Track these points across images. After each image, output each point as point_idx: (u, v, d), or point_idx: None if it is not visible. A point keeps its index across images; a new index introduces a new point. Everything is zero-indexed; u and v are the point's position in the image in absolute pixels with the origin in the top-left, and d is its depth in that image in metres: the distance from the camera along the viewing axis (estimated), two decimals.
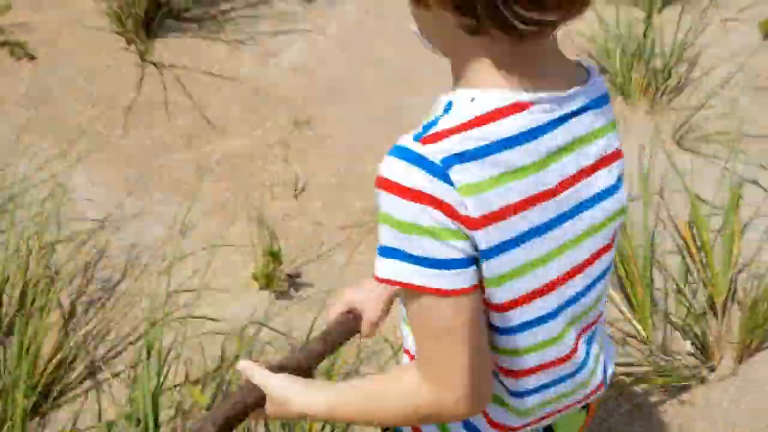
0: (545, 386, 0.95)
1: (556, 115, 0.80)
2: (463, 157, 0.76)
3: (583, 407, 1.07)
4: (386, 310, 1.16)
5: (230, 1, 3.28)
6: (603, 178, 0.87)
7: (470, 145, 0.76)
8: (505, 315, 0.86)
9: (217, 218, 2.42)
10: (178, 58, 2.98)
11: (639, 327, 2.05)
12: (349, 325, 1.17)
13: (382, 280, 0.80)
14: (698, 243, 2.16)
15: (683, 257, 2.20)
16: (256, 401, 1.00)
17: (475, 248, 0.79)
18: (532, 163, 0.80)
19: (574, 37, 3.32)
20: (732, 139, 2.73)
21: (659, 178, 2.52)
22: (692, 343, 2.02)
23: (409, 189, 0.75)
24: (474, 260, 0.80)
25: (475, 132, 0.77)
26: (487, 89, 0.78)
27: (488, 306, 0.85)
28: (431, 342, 0.82)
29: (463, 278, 0.79)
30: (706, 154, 2.71)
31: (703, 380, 1.97)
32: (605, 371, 1.04)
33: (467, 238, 0.78)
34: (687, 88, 3.04)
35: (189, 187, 2.52)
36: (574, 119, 0.83)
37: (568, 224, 0.85)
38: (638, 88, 2.94)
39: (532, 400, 0.95)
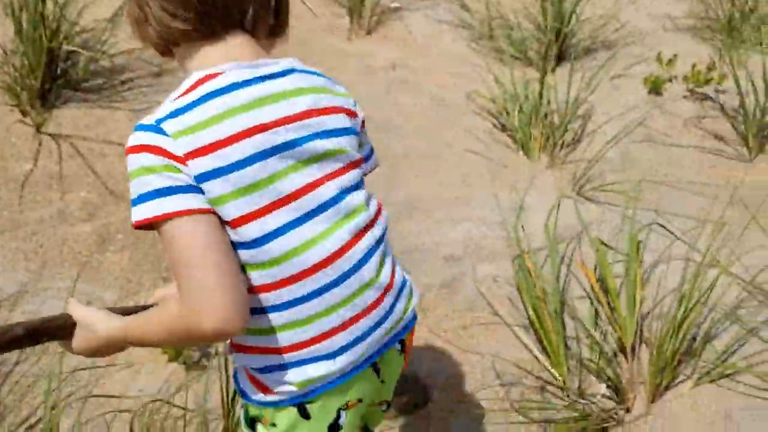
0: (324, 288, 1.07)
1: (249, 76, 1.06)
2: (175, 114, 1.01)
3: (401, 351, 1.21)
4: None
5: (131, 71, 3.24)
6: (325, 121, 1.10)
7: (183, 104, 1.02)
8: (246, 228, 1.02)
9: (121, 291, 2.32)
10: (77, 128, 2.90)
11: (555, 373, 2.07)
12: None
13: (136, 225, 0.99)
14: (605, 288, 2.22)
15: (592, 303, 2.25)
16: (64, 323, 1.11)
17: (192, 177, 0.99)
18: (237, 107, 1.03)
19: (474, 97, 3.44)
20: (628, 188, 2.85)
21: (566, 228, 2.59)
22: (607, 386, 2.05)
23: (135, 146, 1.00)
24: (197, 188, 1.00)
25: (187, 96, 1.03)
26: (194, 70, 1.07)
27: (229, 224, 1.01)
28: (181, 269, 0.97)
29: (189, 201, 0.98)
30: (607, 202, 2.82)
31: (620, 421, 1.99)
32: (404, 282, 1.19)
33: (179, 171, 0.99)
34: (582, 143, 3.17)
35: (91, 259, 2.42)
36: (274, 80, 1.07)
37: (293, 151, 1.06)
38: (537, 145, 3.05)
39: (312, 306, 1.07)
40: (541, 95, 3.10)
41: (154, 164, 0.98)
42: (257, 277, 1.05)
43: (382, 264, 1.14)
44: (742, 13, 4.03)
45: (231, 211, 1.01)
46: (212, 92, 1.03)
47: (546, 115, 3.13)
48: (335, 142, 1.10)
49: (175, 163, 0.99)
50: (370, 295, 1.11)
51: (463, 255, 2.53)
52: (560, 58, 3.79)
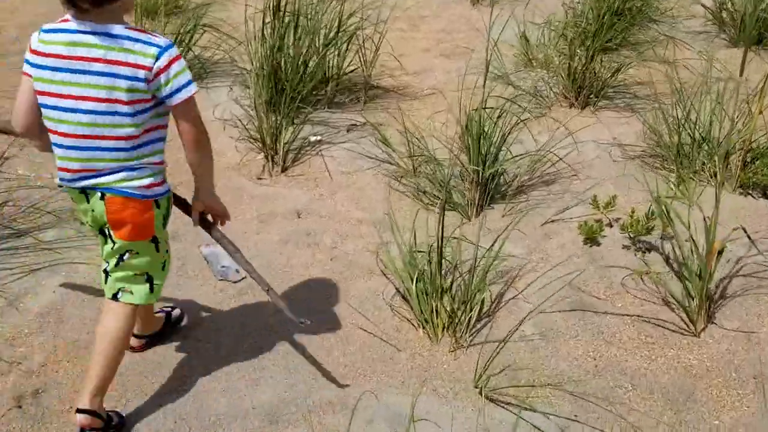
0: (59, 145, 1.86)
1: (77, 28, 1.79)
2: None
3: (102, 197, 1.89)
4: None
5: None
6: (100, 66, 1.79)
7: None
8: None
9: None
10: None
11: None
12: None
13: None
14: None
15: None
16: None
17: None
18: (59, 42, 1.80)
19: (382, 254, 2.90)
20: (541, 385, 2.27)
21: None
22: None
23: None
24: None
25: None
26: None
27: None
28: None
29: None
30: (518, 405, 2.22)
31: None
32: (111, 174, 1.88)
33: None
34: (498, 315, 2.59)
35: None
36: (96, 36, 1.79)
37: (73, 77, 1.80)
38: (440, 322, 2.48)
39: (56, 150, 1.89)
40: (440, 262, 2.52)
41: None
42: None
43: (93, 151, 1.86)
44: (693, 141, 3.51)
45: None
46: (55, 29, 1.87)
47: (452, 284, 2.57)
48: (98, 80, 1.79)
49: None
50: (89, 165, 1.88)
51: None
52: (491, 199, 3.27)
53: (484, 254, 2.67)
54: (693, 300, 2.56)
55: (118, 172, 1.85)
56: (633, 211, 2.96)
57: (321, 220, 3.17)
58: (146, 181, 1.89)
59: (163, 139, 1.94)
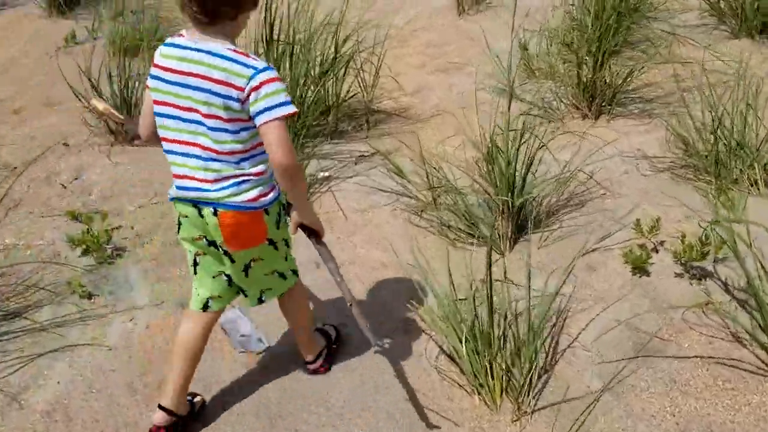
0: (170, 152, 1.92)
1: (186, 44, 1.86)
2: None
3: (214, 213, 1.91)
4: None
5: None
6: (199, 82, 1.82)
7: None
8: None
9: None
10: None
11: None
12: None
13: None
14: None
15: None
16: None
17: None
18: (173, 56, 1.87)
19: (415, 306, 2.59)
20: None
21: None
22: None
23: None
24: None
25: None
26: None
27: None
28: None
29: None
30: None
31: None
32: (221, 189, 1.89)
33: None
34: (557, 370, 2.29)
35: None
36: (200, 53, 1.83)
37: (179, 90, 1.86)
38: (497, 384, 2.18)
39: (168, 157, 1.93)
40: (491, 316, 2.22)
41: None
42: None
43: (204, 169, 1.89)
44: (728, 149, 3.24)
45: None
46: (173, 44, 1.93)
47: (504, 337, 2.27)
48: (200, 96, 1.83)
49: None
50: (197, 173, 1.90)
51: None
52: (521, 229, 2.98)
53: (538, 297, 2.38)
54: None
55: (225, 187, 1.88)
56: (684, 236, 2.68)
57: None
58: (253, 194, 1.90)
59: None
